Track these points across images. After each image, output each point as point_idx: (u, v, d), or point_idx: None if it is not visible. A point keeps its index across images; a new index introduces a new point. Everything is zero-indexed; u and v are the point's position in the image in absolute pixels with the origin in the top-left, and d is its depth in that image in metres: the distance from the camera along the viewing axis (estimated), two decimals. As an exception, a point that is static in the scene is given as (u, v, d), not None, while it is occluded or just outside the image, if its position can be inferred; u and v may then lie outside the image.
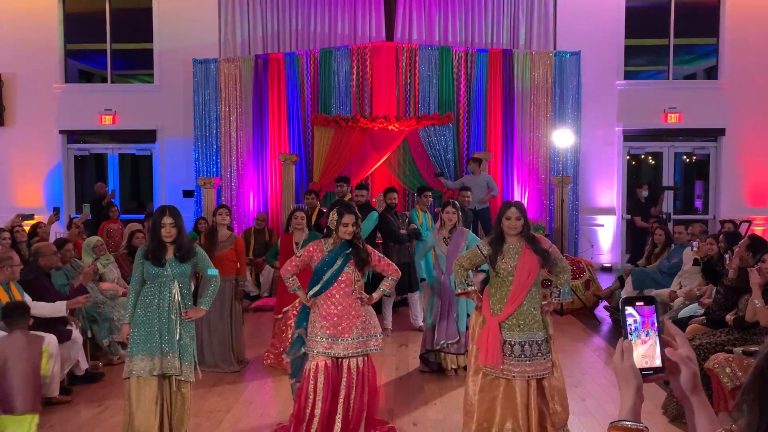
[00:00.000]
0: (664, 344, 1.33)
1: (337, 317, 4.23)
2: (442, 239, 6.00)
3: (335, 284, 4.25)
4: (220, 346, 6.16)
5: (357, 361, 4.30)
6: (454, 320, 5.89)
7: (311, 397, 4.21)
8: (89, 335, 6.18)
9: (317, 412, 4.20)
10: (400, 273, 4.57)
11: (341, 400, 4.25)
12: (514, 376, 4.16)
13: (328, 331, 4.22)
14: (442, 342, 5.87)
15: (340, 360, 4.27)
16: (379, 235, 7.76)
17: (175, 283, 4.30)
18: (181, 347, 4.28)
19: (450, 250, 5.89)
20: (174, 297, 4.29)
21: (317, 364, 4.23)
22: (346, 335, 4.23)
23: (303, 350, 4.45)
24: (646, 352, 1.31)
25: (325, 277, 4.25)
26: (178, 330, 4.28)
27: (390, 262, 4.55)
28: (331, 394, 4.23)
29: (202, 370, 4.67)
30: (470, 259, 4.39)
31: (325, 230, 4.42)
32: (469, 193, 8.80)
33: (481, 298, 4.35)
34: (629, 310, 1.34)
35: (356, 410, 4.30)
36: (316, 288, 4.27)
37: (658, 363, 1.31)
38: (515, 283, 4.16)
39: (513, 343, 4.16)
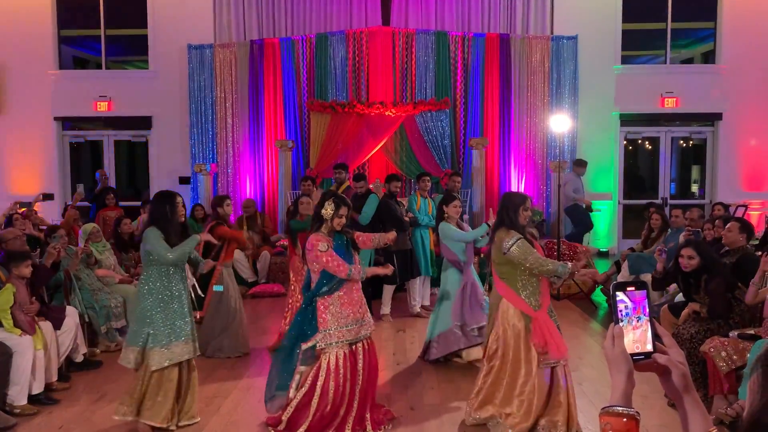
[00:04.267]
0: (656, 329, 1.32)
1: (358, 300, 4.32)
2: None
3: None
4: (234, 330, 6.21)
5: (366, 341, 4.39)
6: (482, 305, 5.76)
7: (340, 388, 4.22)
8: (86, 319, 6.19)
9: (344, 403, 4.26)
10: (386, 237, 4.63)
11: (358, 384, 4.32)
12: (562, 360, 4.23)
13: (356, 316, 4.27)
14: (474, 327, 5.68)
15: (353, 346, 4.31)
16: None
17: (186, 265, 4.42)
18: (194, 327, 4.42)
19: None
20: (188, 279, 4.42)
21: (344, 353, 4.23)
22: (366, 315, 4.38)
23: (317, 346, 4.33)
24: (637, 337, 1.31)
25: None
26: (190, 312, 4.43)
27: (364, 234, 4.64)
28: (351, 379, 4.28)
29: (203, 358, 4.72)
30: (532, 251, 4.24)
31: (316, 219, 4.39)
32: (459, 178, 8.80)
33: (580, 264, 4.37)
34: (620, 295, 1.33)
35: (367, 390, 4.40)
36: (337, 278, 4.23)
37: (649, 348, 1.30)
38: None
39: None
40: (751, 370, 1.12)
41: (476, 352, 5.68)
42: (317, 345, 4.23)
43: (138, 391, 4.29)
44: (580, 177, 10.82)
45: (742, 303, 4.80)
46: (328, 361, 4.23)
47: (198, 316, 5.96)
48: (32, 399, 4.89)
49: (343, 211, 4.27)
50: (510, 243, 4.20)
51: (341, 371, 4.23)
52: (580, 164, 10.89)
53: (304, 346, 4.28)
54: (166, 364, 4.21)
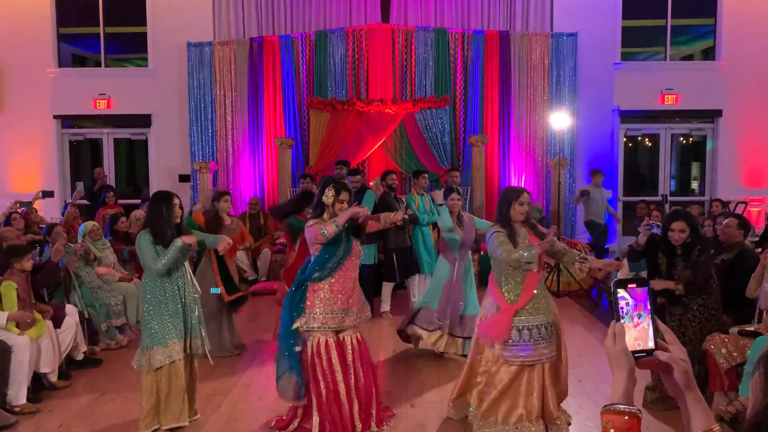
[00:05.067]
0: (657, 326, 1.31)
1: (350, 290, 4.28)
2: (456, 224, 5.94)
3: (348, 259, 4.28)
4: (217, 332, 6.19)
5: (357, 336, 4.38)
6: (460, 306, 5.84)
7: (328, 373, 4.21)
8: (86, 315, 6.19)
9: (341, 387, 4.25)
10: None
11: (351, 377, 4.31)
12: (539, 361, 4.15)
13: (342, 305, 4.25)
14: (442, 322, 5.79)
15: (339, 336, 4.30)
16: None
17: (186, 263, 4.42)
18: (200, 324, 4.43)
19: (465, 234, 5.86)
20: (188, 276, 4.40)
21: (326, 341, 4.24)
22: (354, 307, 4.32)
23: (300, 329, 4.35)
24: (638, 334, 1.30)
25: (339, 253, 4.24)
26: (197, 308, 4.43)
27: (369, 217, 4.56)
28: (342, 371, 4.27)
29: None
30: (506, 243, 4.20)
31: (316, 207, 4.38)
32: (457, 173, 8.75)
33: (548, 243, 4.16)
34: (621, 292, 1.32)
35: (366, 386, 4.37)
36: (330, 265, 4.22)
37: (651, 345, 1.29)
38: (531, 272, 4.18)
39: (531, 327, 4.15)
40: (753, 370, 1.12)
41: (434, 339, 5.86)
42: (302, 326, 4.24)
43: (153, 394, 4.27)
44: (599, 186, 10.40)
45: (715, 282, 4.74)
46: (312, 344, 4.23)
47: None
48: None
49: (344, 196, 4.26)
50: (488, 236, 4.26)
51: (324, 357, 4.21)
52: (595, 174, 10.52)
53: (292, 327, 4.30)
54: (166, 362, 4.23)
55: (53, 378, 5.26)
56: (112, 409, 4.90)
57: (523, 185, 11.24)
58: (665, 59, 11.97)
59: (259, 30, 11.47)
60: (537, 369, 4.17)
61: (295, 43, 11.16)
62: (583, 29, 11.17)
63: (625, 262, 7.61)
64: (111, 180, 11.68)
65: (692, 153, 13.22)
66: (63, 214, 9.12)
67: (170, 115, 11.63)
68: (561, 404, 4.38)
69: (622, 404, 1.25)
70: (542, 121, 11.12)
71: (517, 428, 4.15)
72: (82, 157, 13.01)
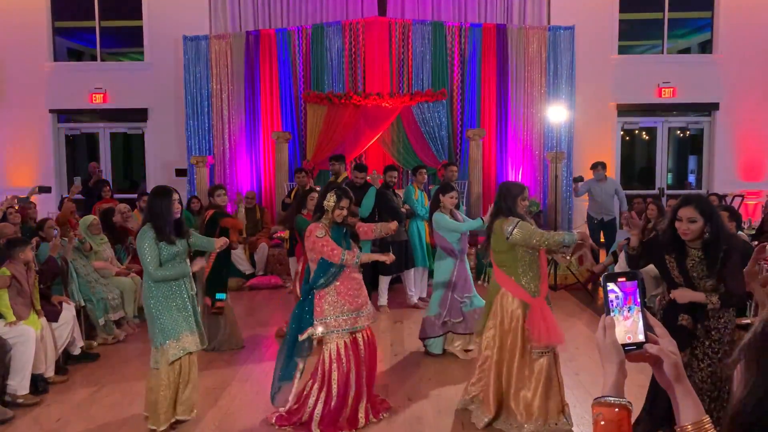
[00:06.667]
0: (647, 319, 1.32)
1: (356, 290, 4.34)
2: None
3: None
4: (215, 327, 6.19)
5: (368, 332, 4.44)
6: (462, 304, 5.80)
7: (344, 374, 4.26)
8: (82, 304, 6.18)
9: (351, 391, 4.30)
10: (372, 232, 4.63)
11: (363, 374, 4.37)
12: (549, 351, 4.23)
13: (351, 307, 4.30)
14: (449, 320, 5.75)
15: (353, 335, 4.34)
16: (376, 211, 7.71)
17: (186, 259, 4.43)
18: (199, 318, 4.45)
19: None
20: (189, 272, 4.41)
21: (344, 343, 4.28)
22: (364, 307, 4.38)
23: (315, 340, 4.41)
24: (628, 327, 1.31)
25: None
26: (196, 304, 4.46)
27: (365, 224, 4.69)
28: (356, 369, 4.31)
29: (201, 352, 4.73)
30: (537, 229, 4.22)
31: (317, 210, 4.42)
32: (455, 168, 8.70)
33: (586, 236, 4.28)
34: (611, 286, 1.34)
35: (369, 381, 4.45)
36: (333, 270, 4.27)
37: (641, 338, 1.31)
38: (543, 259, 4.29)
39: None
40: (733, 360, 1.12)
41: (458, 341, 5.87)
42: (316, 334, 4.28)
43: (170, 388, 4.24)
44: (601, 180, 9.79)
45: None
46: (330, 350, 4.28)
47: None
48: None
49: (344, 203, 4.31)
50: (511, 228, 4.19)
51: (344, 360, 4.27)
52: (594, 167, 9.88)
53: (300, 338, 4.35)
54: (181, 354, 4.23)
55: (49, 373, 5.25)
56: (110, 404, 4.90)
57: (520, 179, 11.24)
58: (662, 52, 11.97)
59: (256, 23, 11.43)
60: (549, 358, 4.22)
61: (292, 37, 11.13)
62: (580, 22, 11.16)
63: (622, 255, 7.64)
64: (107, 174, 11.67)
65: (689, 146, 13.23)
66: (59, 209, 9.10)
67: (166, 109, 11.60)
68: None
69: (612, 396, 1.27)
70: (539, 115, 11.12)
71: (556, 424, 4.17)
72: (79, 152, 12.98)
